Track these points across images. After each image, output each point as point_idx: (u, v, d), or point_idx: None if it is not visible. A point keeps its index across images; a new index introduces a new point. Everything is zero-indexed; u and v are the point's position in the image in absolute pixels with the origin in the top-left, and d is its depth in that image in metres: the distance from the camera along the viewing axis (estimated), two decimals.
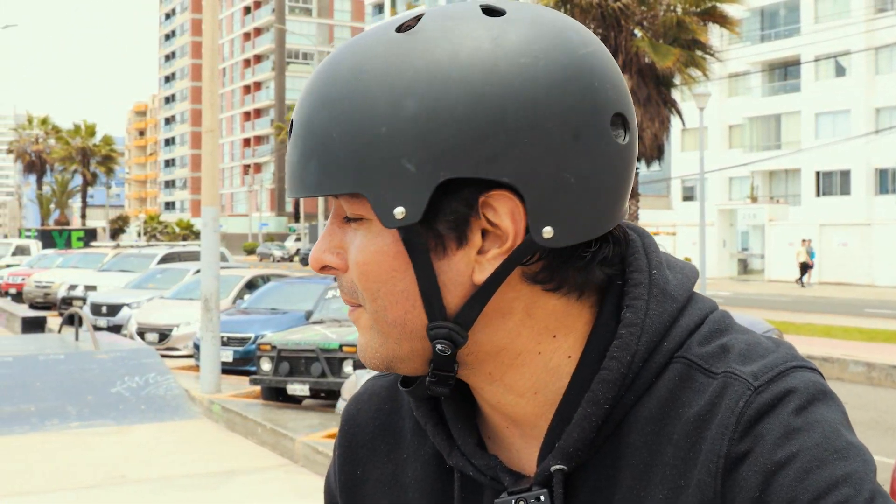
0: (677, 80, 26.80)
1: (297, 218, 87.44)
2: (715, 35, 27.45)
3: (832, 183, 51.76)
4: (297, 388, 12.62)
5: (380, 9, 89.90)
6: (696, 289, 1.04)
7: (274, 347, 12.73)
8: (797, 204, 52.48)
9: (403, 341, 0.98)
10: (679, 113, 26.98)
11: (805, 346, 16.05)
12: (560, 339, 0.99)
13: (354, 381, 10.65)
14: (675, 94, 27.55)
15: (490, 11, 0.94)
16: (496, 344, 0.98)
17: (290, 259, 71.73)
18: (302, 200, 63.17)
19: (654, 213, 46.86)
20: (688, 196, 60.13)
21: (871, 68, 48.41)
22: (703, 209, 26.23)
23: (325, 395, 13.01)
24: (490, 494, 1.03)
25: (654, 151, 26.34)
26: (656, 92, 26.32)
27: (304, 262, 59.26)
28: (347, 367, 12.33)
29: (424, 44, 0.92)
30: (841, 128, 49.81)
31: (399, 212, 0.91)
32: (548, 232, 0.92)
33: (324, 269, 1.01)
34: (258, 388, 13.52)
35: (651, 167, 27.68)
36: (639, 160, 26.51)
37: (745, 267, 52.16)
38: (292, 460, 10.82)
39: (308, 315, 15.46)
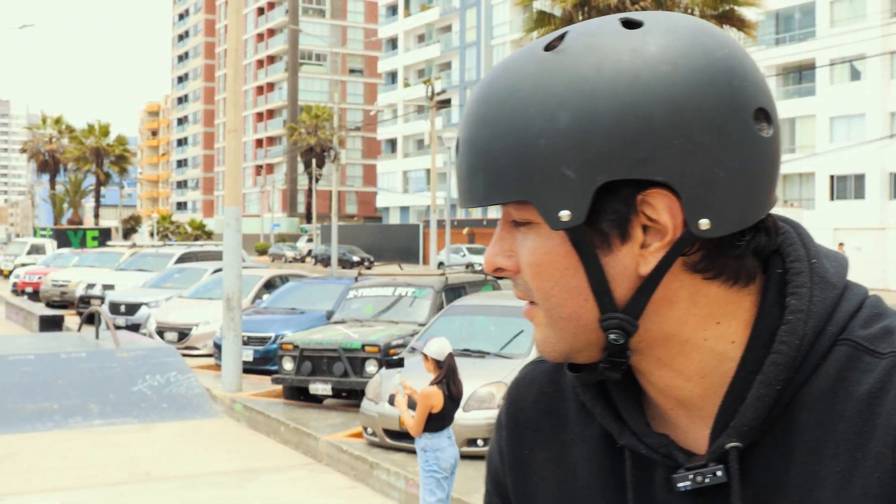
0: None
1: (308, 219, 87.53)
2: (734, 38, 27.43)
3: (846, 187, 51.58)
4: (320, 388, 12.64)
5: (393, 10, 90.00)
6: None
7: (296, 347, 12.75)
8: (811, 208, 52.30)
9: (579, 334, 1.06)
10: None
11: None
12: (723, 325, 1.05)
13: (378, 381, 10.68)
14: None
15: (629, 24, 1.02)
16: (665, 331, 1.05)
17: (302, 260, 71.74)
18: (314, 201, 63.09)
19: None
20: None
21: (886, 72, 48.27)
22: None
23: (347, 395, 13.02)
24: (662, 471, 1.09)
25: None
26: None
27: (325, 262, 59.40)
28: (370, 367, 12.34)
29: (571, 60, 1.00)
30: (856, 132, 49.65)
31: (564, 215, 1.00)
32: (704, 224, 0.99)
33: (496, 271, 1.09)
34: (279, 387, 13.55)
35: None
36: None
37: None
38: (316, 459, 10.85)
39: (329, 315, 15.48)
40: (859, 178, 50.82)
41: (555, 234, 1.02)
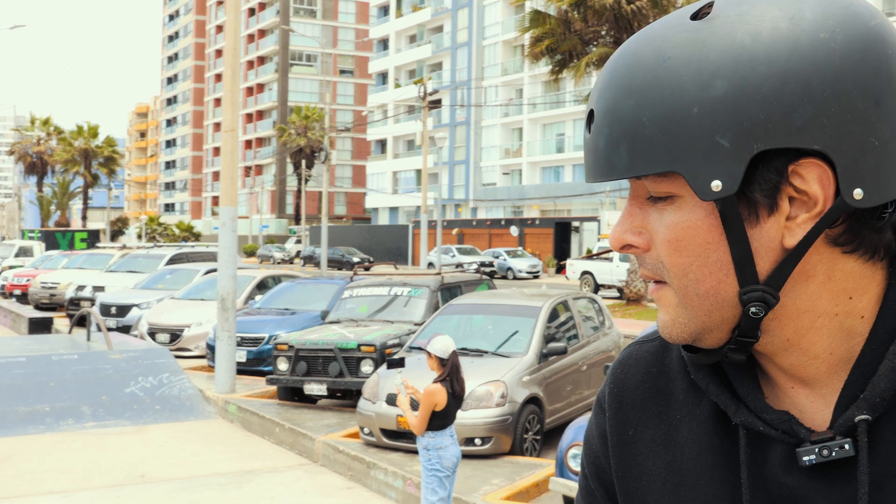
0: None
1: (297, 220, 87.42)
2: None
3: None
4: (315, 388, 12.54)
5: (385, 11, 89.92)
6: None
7: (291, 347, 12.65)
8: None
9: (714, 311, 1.04)
10: None
11: None
12: (855, 300, 1.04)
13: (376, 381, 10.60)
14: None
15: None
16: (799, 307, 1.03)
17: (291, 261, 71.64)
18: (304, 202, 63.00)
19: None
20: None
21: None
22: None
23: (342, 395, 12.94)
24: (780, 448, 1.08)
25: None
26: None
27: (316, 263, 59.20)
28: (365, 367, 12.26)
29: (725, 27, 0.98)
30: None
31: (716, 185, 0.97)
32: (858, 193, 0.98)
33: (625, 248, 1.08)
34: (273, 388, 13.46)
35: None
36: None
37: None
38: (311, 460, 10.76)
39: (324, 315, 15.40)
40: None
41: (698, 207, 1.01)
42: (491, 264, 48.82)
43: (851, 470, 1.03)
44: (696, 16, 1.01)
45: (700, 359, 1.11)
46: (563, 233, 56.33)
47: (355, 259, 58.73)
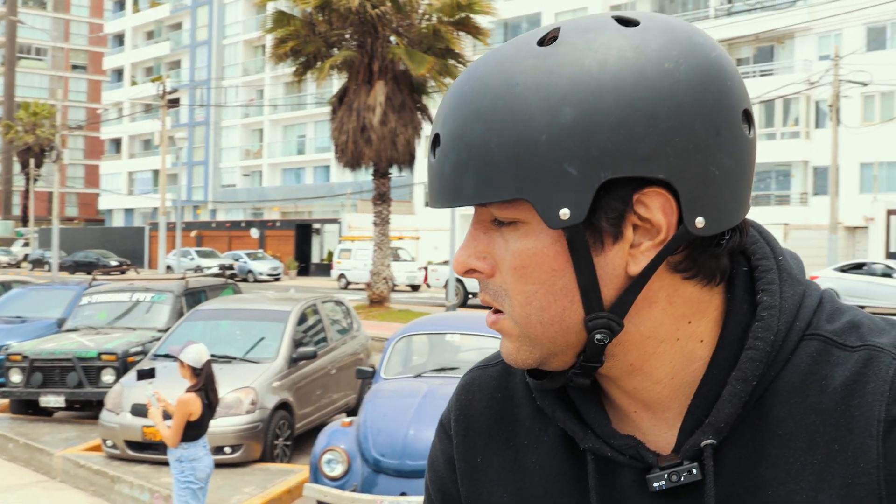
0: (430, 87, 27.27)
1: (25, 222, 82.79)
2: (467, 45, 28.12)
3: None
4: (52, 400, 11.92)
5: (121, 5, 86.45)
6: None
7: (25, 357, 11.98)
8: None
9: (559, 337, 1.04)
10: (431, 119, 27.43)
11: None
12: (694, 324, 1.06)
13: (119, 391, 10.21)
14: (428, 102, 28.00)
15: (624, 22, 1.01)
16: (642, 332, 1.04)
17: (18, 265, 67.79)
18: (32, 203, 59.39)
19: (397, 218, 47.54)
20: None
21: None
22: (454, 214, 26.79)
23: (81, 407, 12.36)
24: (629, 473, 1.09)
25: (408, 157, 26.68)
26: (410, 98, 26.70)
27: (48, 267, 56.17)
28: (107, 376, 11.77)
29: (572, 54, 0.98)
30: None
31: (564, 213, 0.97)
32: (700, 222, 1.00)
33: (468, 272, 1.07)
34: (4, 401, 12.68)
35: (402, 172, 27.99)
36: (392, 165, 26.85)
37: None
38: (50, 476, 10.24)
39: (60, 323, 14.65)
40: None
41: (545, 234, 1.00)
42: (231, 267, 48.01)
43: (698, 493, 1.05)
44: (542, 42, 1.00)
45: (545, 384, 1.10)
46: (303, 235, 56.06)
47: (112, 262, 56.02)
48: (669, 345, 1.05)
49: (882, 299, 27.56)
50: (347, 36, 26.81)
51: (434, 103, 28.34)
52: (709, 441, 1.04)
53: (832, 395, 1.02)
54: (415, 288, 41.16)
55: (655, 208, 0.99)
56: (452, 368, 8.82)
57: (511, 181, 0.97)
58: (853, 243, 41.78)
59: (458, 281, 29.17)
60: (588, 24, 1.00)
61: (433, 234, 49.14)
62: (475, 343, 9.36)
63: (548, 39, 1.00)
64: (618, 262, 1.01)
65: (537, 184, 0.97)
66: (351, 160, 26.31)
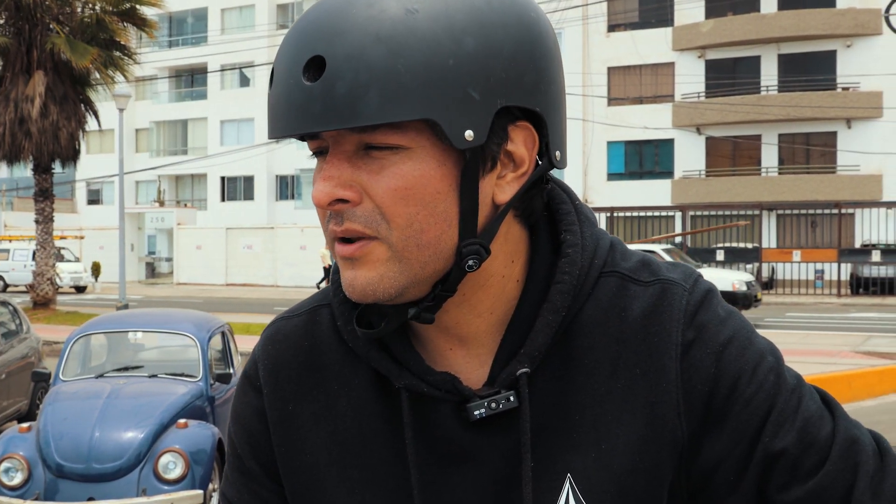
0: (95, 79, 26.13)
1: None
2: (133, 36, 27.11)
3: (237, 188, 53.69)
4: None
5: None
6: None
7: None
8: (204, 208, 53.68)
9: (429, 263, 1.06)
10: (96, 114, 26.30)
11: None
12: (515, 264, 1.14)
13: None
14: (93, 95, 26.80)
15: None
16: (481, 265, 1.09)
17: None
18: None
19: (60, 217, 45.20)
20: (93, 199, 58.90)
21: None
22: (122, 213, 25.82)
23: None
24: (444, 408, 1.14)
25: (72, 152, 25.40)
26: (73, 91, 25.40)
27: None
28: None
29: None
30: (245, 136, 51.83)
31: (469, 134, 1.02)
32: (558, 156, 1.11)
33: (335, 203, 1.05)
34: None
35: (66, 168, 26.63)
36: (54, 160, 25.46)
37: (153, 271, 52.15)
38: None
39: None
40: (248, 180, 53.11)
41: (430, 158, 1.03)
42: None
43: (514, 420, 1.12)
44: None
45: (382, 331, 1.11)
46: None
47: None
48: (496, 280, 1.12)
49: None
50: (2, 22, 25.20)
51: (101, 97, 27.21)
52: (524, 370, 1.11)
53: (632, 325, 1.13)
54: (80, 289, 39.28)
55: (520, 142, 1.07)
56: (136, 367, 8.61)
57: (419, 102, 0.99)
58: None
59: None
60: None
61: (98, 234, 47.16)
62: (157, 341, 9.18)
63: None
64: (489, 190, 1.07)
65: (445, 105, 1.00)
66: (9, 154, 24.67)
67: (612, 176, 43.80)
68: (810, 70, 39.58)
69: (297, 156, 49.79)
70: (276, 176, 52.68)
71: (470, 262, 1.06)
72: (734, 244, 34.80)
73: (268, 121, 1.07)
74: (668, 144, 42.64)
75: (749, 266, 32.73)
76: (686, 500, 1.15)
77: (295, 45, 1.03)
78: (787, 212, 36.01)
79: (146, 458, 7.04)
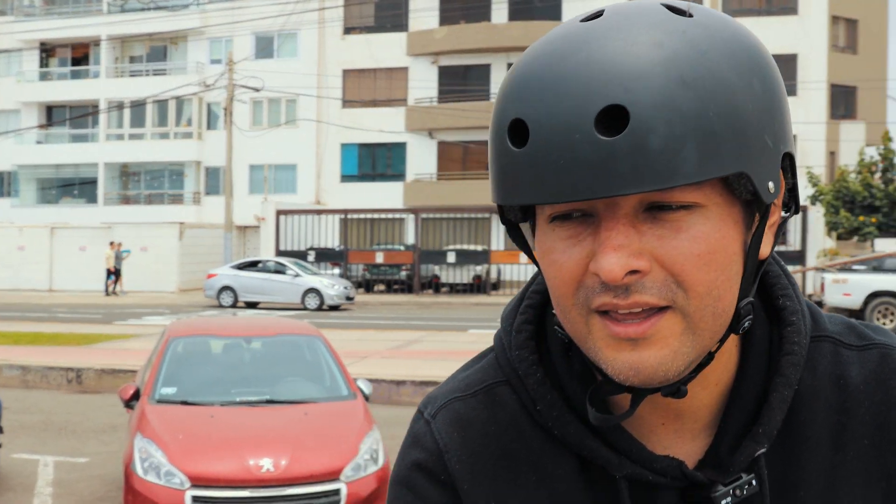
0: None
1: None
2: None
3: None
4: None
5: None
6: None
7: None
8: None
9: (718, 332, 0.96)
10: None
11: None
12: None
13: None
14: None
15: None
16: None
17: None
18: None
19: None
20: None
21: None
22: None
23: None
24: (670, 495, 1.03)
25: None
26: None
27: None
28: None
29: (733, 30, 0.95)
30: None
31: (771, 187, 0.93)
32: (794, 207, 1.02)
33: (630, 275, 0.92)
34: None
35: None
36: None
37: None
38: None
39: None
40: None
41: (726, 216, 0.92)
42: None
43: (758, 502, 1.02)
44: (679, 12, 0.93)
45: (625, 415, 0.99)
46: None
47: None
48: (726, 348, 1.01)
49: (276, 294, 29.13)
50: None
51: None
52: (762, 450, 1.01)
53: (854, 394, 1.05)
54: None
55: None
56: None
57: (733, 154, 0.88)
58: (245, 241, 43.62)
59: None
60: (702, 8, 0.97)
61: None
62: None
63: (678, 11, 0.94)
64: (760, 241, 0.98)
65: (753, 156, 0.90)
66: None
67: (345, 178, 43.98)
68: None
69: (14, 151, 46.99)
70: None
71: (746, 325, 0.97)
72: (465, 246, 35.80)
73: (521, 182, 0.91)
74: (401, 147, 43.25)
75: (479, 267, 33.80)
76: None
77: (568, 92, 0.88)
78: None
79: None
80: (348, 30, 43.86)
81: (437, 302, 32.00)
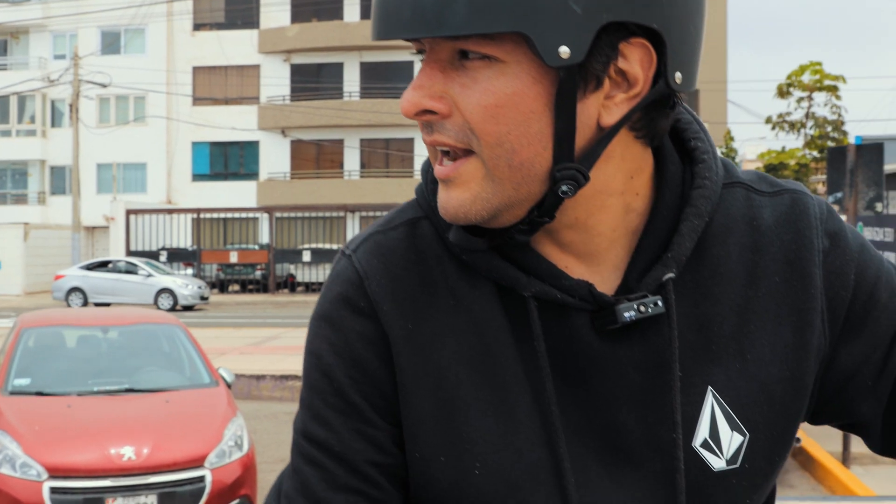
0: None
1: None
2: None
3: None
4: None
5: None
6: None
7: None
8: None
9: (523, 185, 1.00)
10: None
11: None
12: (635, 179, 1.07)
13: None
14: None
15: None
16: (595, 187, 1.03)
17: None
18: None
19: None
20: None
21: None
22: None
23: None
24: (579, 317, 1.06)
25: None
26: None
27: None
28: None
29: None
30: None
31: (564, 51, 0.93)
32: (678, 77, 1.01)
33: (421, 113, 1.00)
34: None
35: None
36: None
37: None
38: None
39: None
40: None
41: (525, 74, 0.96)
42: None
43: (654, 329, 1.06)
44: None
45: (479, 244, 1.05)
46: None
47: None
48: (616, 199, 1.05)
49: (128, 295, 28.44)
50: None
51: None
52: (670, 275, 1.06)
53: (766, 234, 1.10)
54: None
55: (634, 60, 0.98)
56: None
57: (509, 12, 0.92)
58: (94, 242, 42.40)
59: None
60: None
61: None
62: None
63: None
64: (592, 111, 0.99)
65: (539, 18, 0.92)
66: None
67: (196, 177, 43.24)
68: (391, 78, 41.24)
69: None
70: None
71: (564, 188, 1.00)
72: (320, 245, 35.63)
73: (372, 23, 1.02)
74: (253, 146, 42.76)
75: None
76: (811, 411, 1.16)
77: None
78: (370, 213, 37.27)
79: None
80: (198, 26, 43.11)
81: (294, 301, 31.83)
